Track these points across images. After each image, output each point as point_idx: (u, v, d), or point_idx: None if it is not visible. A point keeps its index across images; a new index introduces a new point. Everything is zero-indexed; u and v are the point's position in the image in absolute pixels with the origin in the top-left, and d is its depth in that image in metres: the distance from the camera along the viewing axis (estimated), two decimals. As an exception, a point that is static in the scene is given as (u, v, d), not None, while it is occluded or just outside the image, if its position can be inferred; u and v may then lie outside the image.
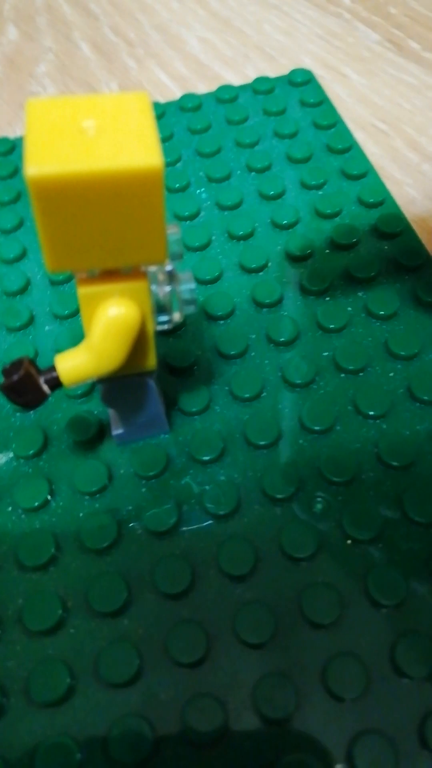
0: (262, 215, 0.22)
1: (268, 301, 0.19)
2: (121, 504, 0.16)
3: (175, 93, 0.27)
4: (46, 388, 0.13)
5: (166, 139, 0.24)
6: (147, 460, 0.16)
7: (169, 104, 0.26)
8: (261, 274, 0.20)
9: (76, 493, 0.16)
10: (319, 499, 0.16)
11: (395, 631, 0.14)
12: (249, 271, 0.20)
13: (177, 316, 0.13)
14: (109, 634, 0.14)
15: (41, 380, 0.13)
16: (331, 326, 0.19)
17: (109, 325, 0.12)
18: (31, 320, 0.20)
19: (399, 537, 0.15)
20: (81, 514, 0.16)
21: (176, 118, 0.25)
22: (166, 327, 0.14)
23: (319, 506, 0.15)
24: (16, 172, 0.24)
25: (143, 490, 0.16)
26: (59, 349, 0.19)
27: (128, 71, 0.28)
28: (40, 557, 0.15)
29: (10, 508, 0.16)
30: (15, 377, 0.13)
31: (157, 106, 0.25)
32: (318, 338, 0.19)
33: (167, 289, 0.13)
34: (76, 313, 0.20)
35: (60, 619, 0.14)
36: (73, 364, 0.13)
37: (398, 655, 0.13)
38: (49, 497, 0.16)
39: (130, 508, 0.16)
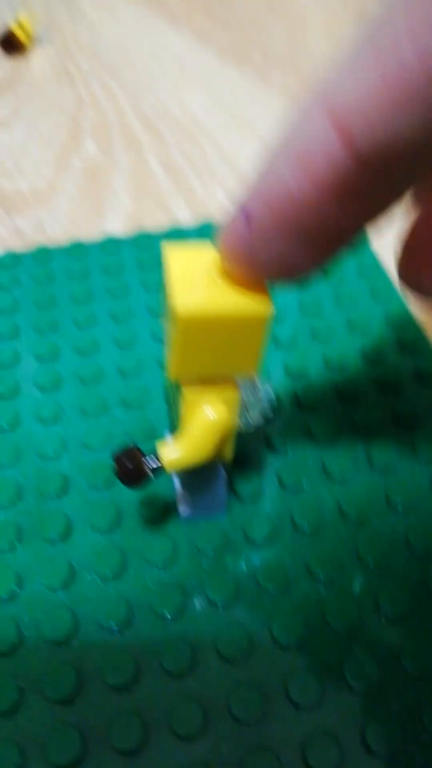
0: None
1: (309, 402, 0.22)
2: (185, 577, 0.18)
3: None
4: (151, 474, 0.16)
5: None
6: (207, 537, 0.19)
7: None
8: (302, 379, 0.24)
9: (144, 564, 0.19)
10: (358, 581, 0.18)
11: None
12: (293, 377, 0.24)
13: (258, 420, 0.17)
14: (178, 693, 0.16)
15: (147, 467, 0.16)
16: (362, 426, 0.22)
17: (209, 425, 0.16)
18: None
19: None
20: (150, 584, 0.18)
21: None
22: (247, 429, 0.17)
23: (357, 587, 0.18)
24: (88, 274, 0.28)
25: (204, 565, 0.19)
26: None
27: (194, 193, 0.32)
28: (118, 618, 0.17)
29: (89, 578, 0.18)
30: (130, 466, 0.16)
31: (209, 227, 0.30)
32: (352, 438, 0.22)
33: (252, 397, 0.17)
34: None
35: (133, 677, 0.16)
36: (176, 456, 0.16)
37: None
38: (122, 568, 0.18)
39: (194, 582, 0.18)
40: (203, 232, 0.30)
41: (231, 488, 0.20)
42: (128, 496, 0.20)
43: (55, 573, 0.18)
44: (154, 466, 0.16)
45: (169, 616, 0.18)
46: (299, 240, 0.11)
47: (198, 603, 0.18)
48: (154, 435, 0.22)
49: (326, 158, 0.10)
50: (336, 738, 0.16)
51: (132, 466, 0.15)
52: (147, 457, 0.16)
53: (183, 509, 0.19)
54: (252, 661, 0.17)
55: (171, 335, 0.14)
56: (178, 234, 0.29)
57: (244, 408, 0.17)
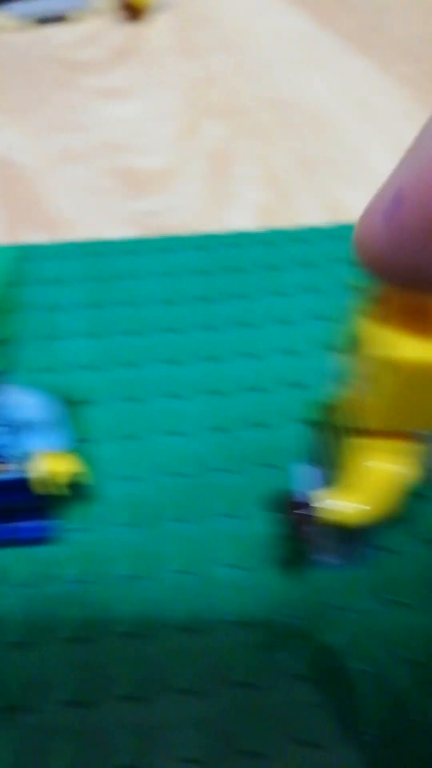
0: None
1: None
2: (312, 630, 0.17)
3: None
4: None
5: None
6: (346, 589, 0.17)
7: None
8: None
9: (276, 609, 0.17)
10: None
11: None
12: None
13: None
14: None
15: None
16: None
17: (381, 479, 0.14)
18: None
19: None
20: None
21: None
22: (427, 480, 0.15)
23: None
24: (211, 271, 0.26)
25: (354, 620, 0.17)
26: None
27: (326, 189, 0.30)
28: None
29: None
30: (306, 512, 0.14)
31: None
32: None
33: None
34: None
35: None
36: (360, 512, 0.14)
37: None
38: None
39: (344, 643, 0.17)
40: (340, 234, 0.27)
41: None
42: (259, 529, 0.19)
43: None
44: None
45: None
46: None
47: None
48: (286, 459, 0.20)
49: None
50: None
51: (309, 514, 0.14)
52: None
53: (320, 554, 0.18)
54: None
55: (377, 383, 0.12)
56: (311, 234, 0.27)
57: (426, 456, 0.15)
